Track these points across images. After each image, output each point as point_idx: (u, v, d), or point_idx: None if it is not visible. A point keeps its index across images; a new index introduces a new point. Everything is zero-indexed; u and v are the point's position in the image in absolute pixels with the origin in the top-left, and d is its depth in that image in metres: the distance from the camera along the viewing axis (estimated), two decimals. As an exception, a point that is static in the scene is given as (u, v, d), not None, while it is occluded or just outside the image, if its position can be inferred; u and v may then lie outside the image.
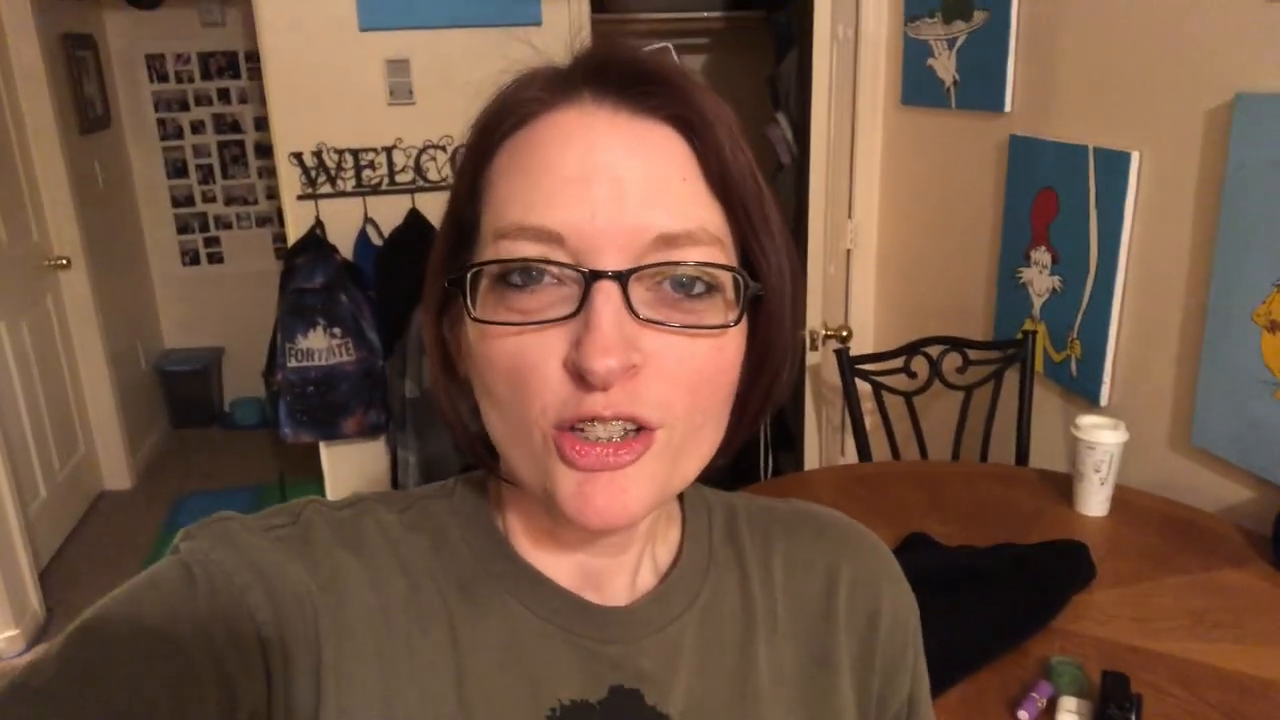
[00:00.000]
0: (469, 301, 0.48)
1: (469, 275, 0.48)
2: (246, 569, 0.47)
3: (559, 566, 0.54)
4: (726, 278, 0.47)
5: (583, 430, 0.45)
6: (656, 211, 0.45)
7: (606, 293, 0.44)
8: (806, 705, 0.57)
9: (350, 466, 2.96)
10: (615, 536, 0.53)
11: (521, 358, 0.46)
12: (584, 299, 0.44)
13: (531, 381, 0.46)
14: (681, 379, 0.46)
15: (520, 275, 0.46)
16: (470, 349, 0.49)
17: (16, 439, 3.02)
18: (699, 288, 0.47)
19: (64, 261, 3.48)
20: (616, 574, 0.55)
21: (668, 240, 0.45)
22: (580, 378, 0.44)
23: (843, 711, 0.58)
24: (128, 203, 4.26)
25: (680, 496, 0.61)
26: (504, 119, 0.49)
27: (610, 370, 0.43)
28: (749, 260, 0.50)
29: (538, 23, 2.71)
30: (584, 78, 0.48)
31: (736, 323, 0.48)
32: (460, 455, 2.63)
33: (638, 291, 0.45)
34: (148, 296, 4.45)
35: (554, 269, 0.45)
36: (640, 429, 0.46)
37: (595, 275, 0.44)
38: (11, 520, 2.75)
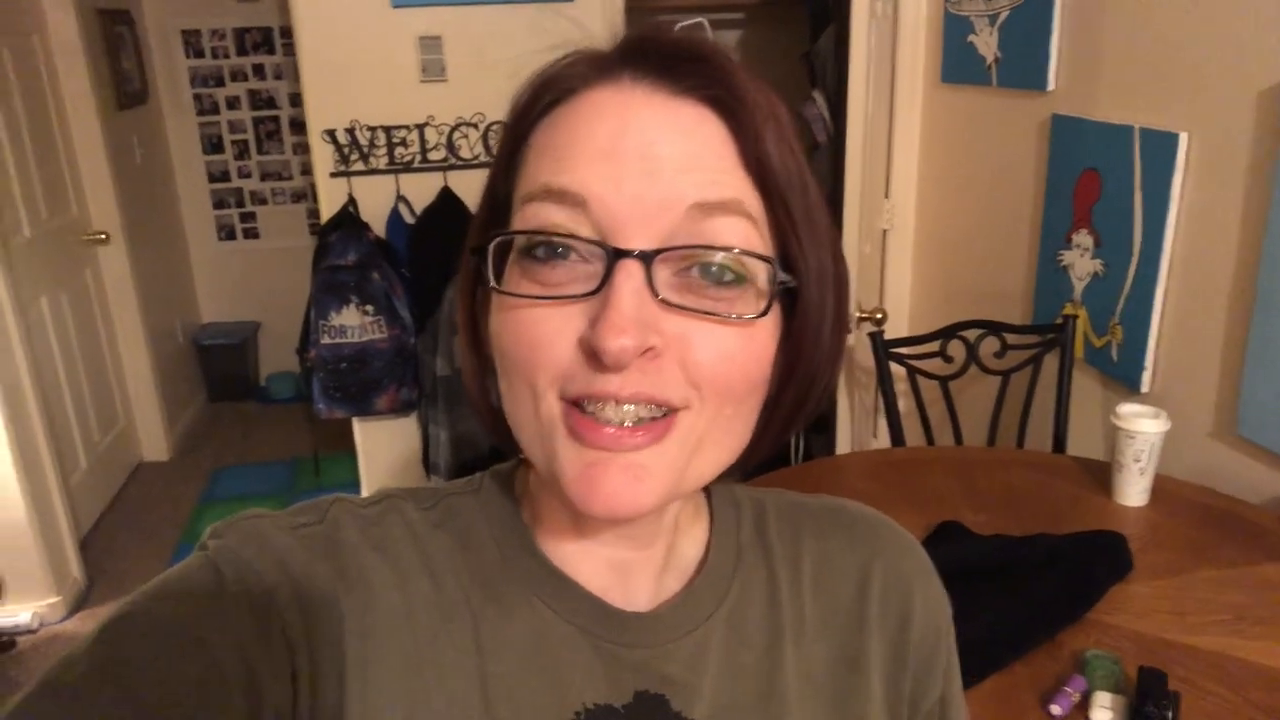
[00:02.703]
0: (490, 271, 0.47)
1: (492, 245, 0.47)
2: (274, 568, 0.47)
3: (584, 562, 0.53)
4: (759, 267, 0.46)
5: (593, 412, 0.44)
6: (690, 184, 0.44)
7: (628, 271, 0.43)
8: (835, 708, 0.56)
9: (383, 442, 2.98)
10: (636, 529, 0.52)
11: (536, 330, 0.45)
12: (606, 277, 0.43)
13: (543, 354, 0.45)
14: (705, 366, 0.45)
15: (544, 249, 0.45)
16: (491, 317, 0.49)
17: (58, 411, 3.08)
18: (729, 276, 0.45)
19: (103, 236, 3.53)
20: (643, 568, 0.54)
21: (703, 209, 0.44)
22: (594, 356, 0.43)
23: (873, 714, 0.57)
24: (165, 178, 4.30)
25: (708, 493, 0.59)
26: (543, 96, 0.48)
27: (624, 349, 0.42)
28: (786, 252, 0.48)
29: (570, -1, 2.68)
30: (623, 58, 0.47)
31: (764, 314, 0.46)
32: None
33: (663, 273, 0.44)
34: (185, 271, 4.50)
35: (579, 245, 0.44)
36: (663, 414, 0.45)
37: (619, 254, 0.43)
38: (53, 490, 2.82)
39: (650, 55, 0.46)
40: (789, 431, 0.53)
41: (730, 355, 0.45)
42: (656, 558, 0.55)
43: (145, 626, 0.43)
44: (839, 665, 0.57)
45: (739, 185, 0.45)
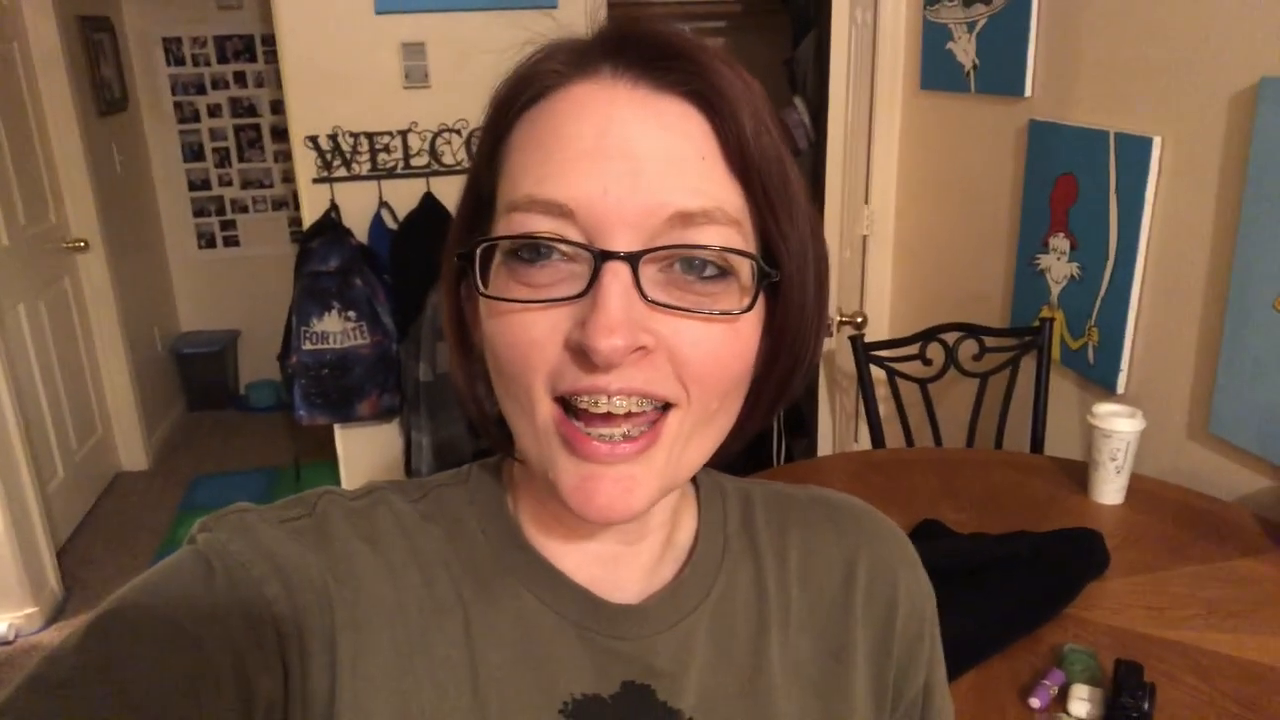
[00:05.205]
0: (478, 276, 0.47)
1: (479, 250, 0.47)
2: (263, 561, 0.47)
3: (572, 555, 0.54)
4: (743, 263, 0.46)
5: (586, 407, 0.45)
6: (673, 189, 0.44)
7: (615, 272, 0.43)
8: (820, 697, 0.56)
9: (364, 449, 2.97)
10: (626, 526, 0.53)
11: (526, 334, 0.45)
12: (593, 278, 0.44)
13: (533, 358, 0.45)
14: (693, 364, 0.45)
15: (530, 250, 0.45)
16: (482, 323, 0.49)
17: (35, 420, 3.05)
18: (712, 271, 0.45)
19: (82, 244, 3.51)
20: (631, 561, 0.55)
21: (684, 218, 0.44)
22: (584, 357, 0.43)
23: (857, 702, 0.57)
24: (145, 186, 4.28)
25: (696, 484, 0.60)
26: (522, 91, 0.48)
27: (614, 349, 0.42)
28: (768, 244, 0.48)
29: (553, 5, 2.70)
30: (603, 52, 0.47)
31: (748, 309, 0.47)
32: (474, 438, 2.64)
33: (649, 272, 0.45)
34: (164, 279, 4.47)
35: (565, 247, 0.45)
36: (652, 410, 0.45)
37: (605, 255, 0.43)
38: (30, 499, 2.79)
39: (631, 50, 0.46)
40: (776, 409, 0.54)
41: (716, 352, 0.46)
42: (646, 551, 0.55)
43: (134, 621, 0.42)
44: (824, 655, 0.57)
45: (721, 186, 0.46)
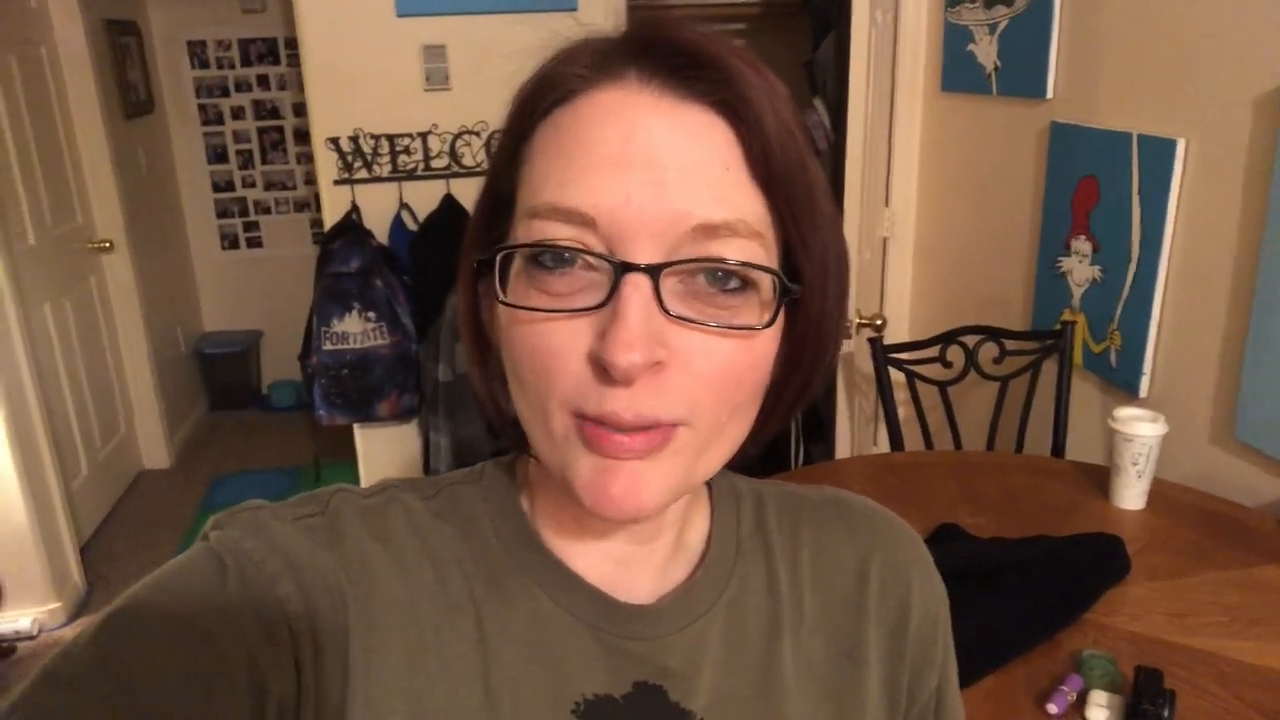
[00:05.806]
0: (498, 283, 0.47)
1: (499, 256, 0.47)
2: (276, 558, 0.47)
3: (585, 554, 0.53)
4: (764, 276, 0.46)
5: (602, 422, 0.44)
6: (696, 199, 0.44)
7: (636, 285, 0.43)
8: (833, 699, 0.56)
9: (383, 449, 2.99)
10: (639, 525, 0.53)
11: (546, 343, 0.45)
12: (613, 290, 0.43)
13: (554, 369, 0.45)
14: (707, 376, 0.45)
15: (551, 258, 0.45)
16: (500, 328, 0.49)
17: (60, 418, 3.09)
18: (734, 283, 0.45)
19: (107, 244, 3.55)
20: (644, 561, 0.54)
21: (707, 230, 0.44)
22: (603, 370, 0.43)
23: (870, 705, 0.57)
24: (169, 187, 4.33)
25: (710, 484, 0.60)
26: (547, 93, 0.47)
27: (633, 365, 0.42)
28: (790, 252, 0.48)
29: (574, 8, 2.70)
30: (630, 56, 0.46)
31: (769, 324, 0.46)
32: (492, 439, 2.65)
33: (669, 283, 0.44)
34: (188, 280, 4.52)
35: (586, 256, 0.44)
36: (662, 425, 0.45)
37: (626, 267, 0.43)
38: (54, 496, 2.82)
39: (659, 55, 0.45)
40: (793, 413, 0.53)
41: (731, 364, 0.46)
42: (659, 551, 0.55)
43: (147, 619, 0.42)
44: (837, 657, 0.57)
45: (745, 197, 0.45)
